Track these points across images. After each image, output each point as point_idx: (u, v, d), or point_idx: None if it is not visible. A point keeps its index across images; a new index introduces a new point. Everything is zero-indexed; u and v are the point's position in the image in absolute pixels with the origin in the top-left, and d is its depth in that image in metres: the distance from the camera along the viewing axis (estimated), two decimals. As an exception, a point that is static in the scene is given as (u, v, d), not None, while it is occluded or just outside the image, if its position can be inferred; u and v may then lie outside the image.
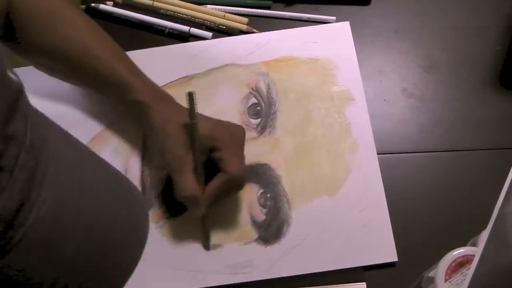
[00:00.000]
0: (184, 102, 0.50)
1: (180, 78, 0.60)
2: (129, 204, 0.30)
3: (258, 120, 0.57)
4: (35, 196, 0.23)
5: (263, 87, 0.59)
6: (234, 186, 0.51)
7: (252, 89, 0.59)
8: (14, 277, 0.23)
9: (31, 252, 0.23)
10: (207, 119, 0.50)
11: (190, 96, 0.48)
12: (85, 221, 0.26)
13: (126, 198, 0.30)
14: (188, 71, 0.60)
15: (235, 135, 0.51)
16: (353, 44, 0.61)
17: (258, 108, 0.58)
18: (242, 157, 0.51)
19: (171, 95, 0.52)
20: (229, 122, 0.51)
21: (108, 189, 0.28)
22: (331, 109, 0.58)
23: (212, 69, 0.60)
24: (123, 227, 0.28)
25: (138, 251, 0.30)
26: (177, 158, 0.48)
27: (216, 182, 0.49)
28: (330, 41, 0.61)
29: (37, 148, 0.23)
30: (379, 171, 0.55)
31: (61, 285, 0.25)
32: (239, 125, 0.52)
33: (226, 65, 0.60)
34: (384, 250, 0.52)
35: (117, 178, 0.30)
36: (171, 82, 0.60)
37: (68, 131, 0.29)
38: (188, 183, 0.47)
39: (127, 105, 0.52)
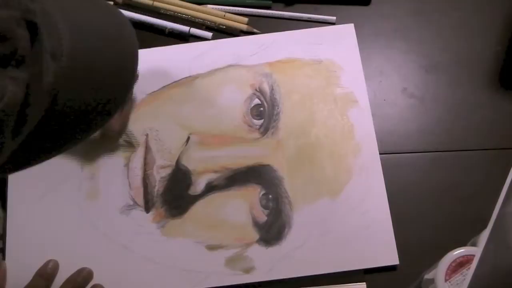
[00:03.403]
0: (186, 103, 0.50)
1: (183, 78, 0.60)
2: (123, 30, 0.39)
3: (261, 121, 0.57)
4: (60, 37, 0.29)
5: (266, 88, 0.59)
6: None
7: (256, 90, 0.59)
8: (66, 108, 0.31)
9: (74, 79, 0.31)
10: None
11: None
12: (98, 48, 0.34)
13: (120, 24, 0.39)
14: (191, 71, 0.60)
15: None
16: (357, 46, 0.60)
17: (261, 109, 0.58)
18: None
19: (175, 95, 0.53)
20: None
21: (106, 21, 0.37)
22: (334, 111, 0.58)
23: (216, 70, 0.60)
24: (125, 45, 0.39)
25: (135, 62, 0.41)
26: None
27: None
28: (334, 43, 0.61)
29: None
30: (382, 174, 0.55)
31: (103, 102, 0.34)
32: None
33: (230, 65, 0.60)
34: (386, 253, 0.52)
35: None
36: (175, 82, 0.60)
37: None
38: None
39: None
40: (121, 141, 0.56)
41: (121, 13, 0.40)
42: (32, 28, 0.26)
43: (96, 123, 0.37)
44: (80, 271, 0.52)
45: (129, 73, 0.39)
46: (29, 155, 0.32)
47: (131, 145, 0.56)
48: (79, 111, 0.33)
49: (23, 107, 0.26)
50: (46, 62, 0.28)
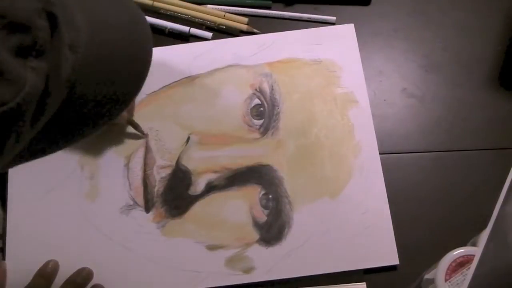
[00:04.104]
0: (186, 103, 0.50)
1: (183, 78, 0.60)
2: (137, 22, 0.40)
3: (261, 121, 0.57)
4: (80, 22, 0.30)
5: (266, 88, 0.59)
6: None
7: (256, 90, 0.59)
8: (83, 99, 0.32)
9: (90, 71, 0.32)
10: None
11: None
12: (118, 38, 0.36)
13: (134, 16, 0.40)
14: (191, 71, 0.60)
15: None
16: (357, 46, 0.60)
17: (261, 109, 0.58)
18: None
19: (175, 95, 0.53)
20: None
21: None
22: (334, 111, 0.58)
23: (216, 70, 0.60)
24: (139, 37, 0.40)
25: (150, 54, 0.42)
26: None
27: None
28: (334, 43, 0.61)
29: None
30: (382, 174, 0.55)
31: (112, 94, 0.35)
32: None
33: (230, 65, 0.60)
34: (386, 253, 0.52)
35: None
36: (175, 82, 0.59)
37: None
38: None
39: None
40: (128, 132, 0.57)
41: (135, 6, 0.41)
42: (52, 19, 0.27)
43: (111, 113, 0.38)
44: (80, 271, 0.52)
45: (143, 64, 0.41)
46: (45, 143, 0.33)
47: (138, 136, 0.57)
48: (95, 101, 0.34)
49: (43, 96, 0.27)
50: (64, 53, 0.28)
